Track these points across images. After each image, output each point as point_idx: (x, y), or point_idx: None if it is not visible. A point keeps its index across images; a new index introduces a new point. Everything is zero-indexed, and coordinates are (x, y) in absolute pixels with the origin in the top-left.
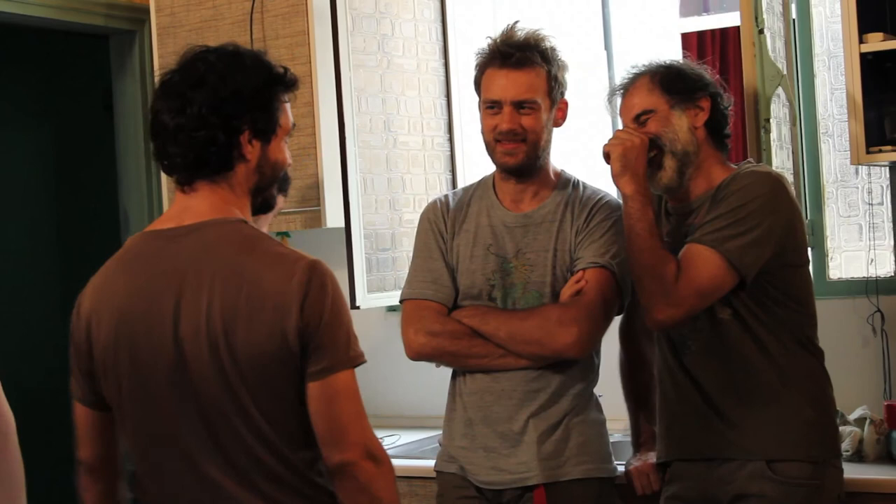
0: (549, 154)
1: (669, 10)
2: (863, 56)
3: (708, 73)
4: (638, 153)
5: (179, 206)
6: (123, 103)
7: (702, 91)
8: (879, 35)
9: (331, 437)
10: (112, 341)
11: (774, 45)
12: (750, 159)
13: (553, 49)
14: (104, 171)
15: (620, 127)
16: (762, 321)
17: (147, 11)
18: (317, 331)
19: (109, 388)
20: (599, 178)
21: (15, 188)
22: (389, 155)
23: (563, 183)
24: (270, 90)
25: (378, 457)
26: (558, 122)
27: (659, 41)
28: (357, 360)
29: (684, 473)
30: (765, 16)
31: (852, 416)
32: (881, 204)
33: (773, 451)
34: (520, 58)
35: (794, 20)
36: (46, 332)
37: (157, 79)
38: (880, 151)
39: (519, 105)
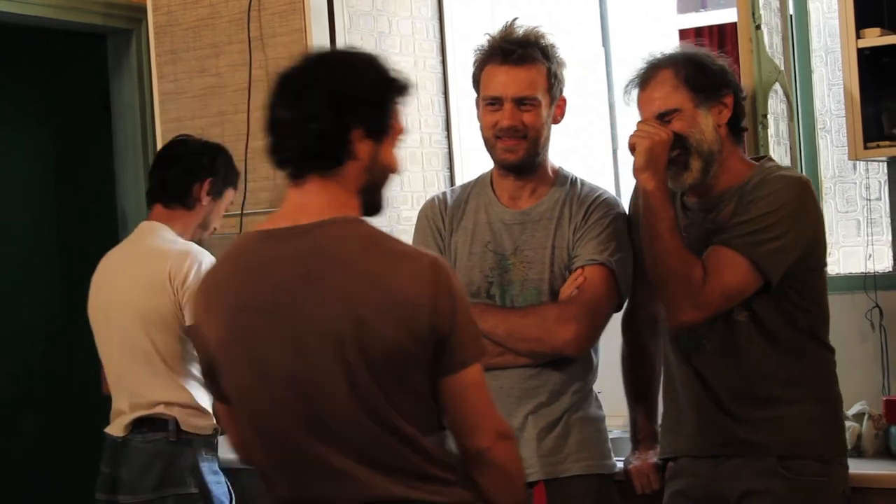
0: (547, 151)
1: (667, 7)
2: (860, 51)
3: (728, 64)
4: (663, 149)
5: (293, 204)
6: (121, 102)
7: (726, 87)
8: (877, 30)
9: (466, 427)
10: (227, 339)
11: (772, 40)
12: (771, 157)
13: (552, 46)
14: (102, 170)
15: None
16: (779, 323)
17: (144, 10)
18: (449, 327)
19: (227, 384)
20: (598, 176)
21: (14, 188)
22: None
23: (562, 180)
24: (385, 91)
25: (508, 434)
26: (557, 119)
27: (656, 38)
28: (484, 351)
29: (690, 470)
30: (762, 11)
31: (851, 412)
32: (879, 199)
33: (783, 448)
34: (521, 54)
35: (791, 16)
36: (46, 332)
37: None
38: (878, 147)
39: (520, 101)
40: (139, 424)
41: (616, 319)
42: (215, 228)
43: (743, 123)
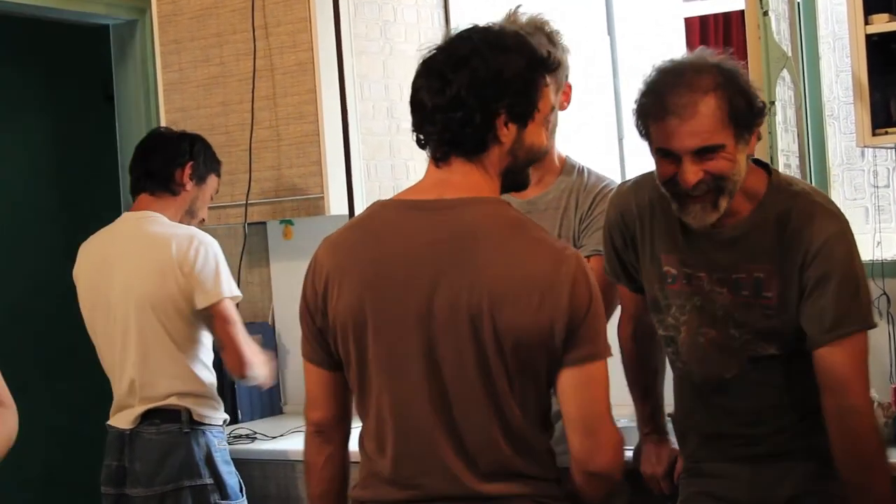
0: (553, 139)
1: None
2: (868, 37)
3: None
4: None
5: (434, 179)
6: (125, 92)
7: (760, 117)
8: (885, 16)
9: (576, 422)
10: (357, 305)
11: (779, 27)
12: (766, 163)
13: (556, 32)
14: (106, 160)
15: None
16: None
17: (148, 0)
18: (582, 320)
19: (348, 350)
20: (603, 164)
21: (17, 179)
22: (392, 142)
23: (569, 169)
24: (531, 74)
25: (619, 448)
26: (563, 105)
27: (662, 25)
28: (609, 352)
29: (723, 473)
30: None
31: None
32: (887, 186)
33: (828, 452)
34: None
35: (798, 2)
36: (50, 326)
37: (421, 58)
38: (886, 133)
39: None
40: (150, 416)
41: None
42: (203, 219)
43: None
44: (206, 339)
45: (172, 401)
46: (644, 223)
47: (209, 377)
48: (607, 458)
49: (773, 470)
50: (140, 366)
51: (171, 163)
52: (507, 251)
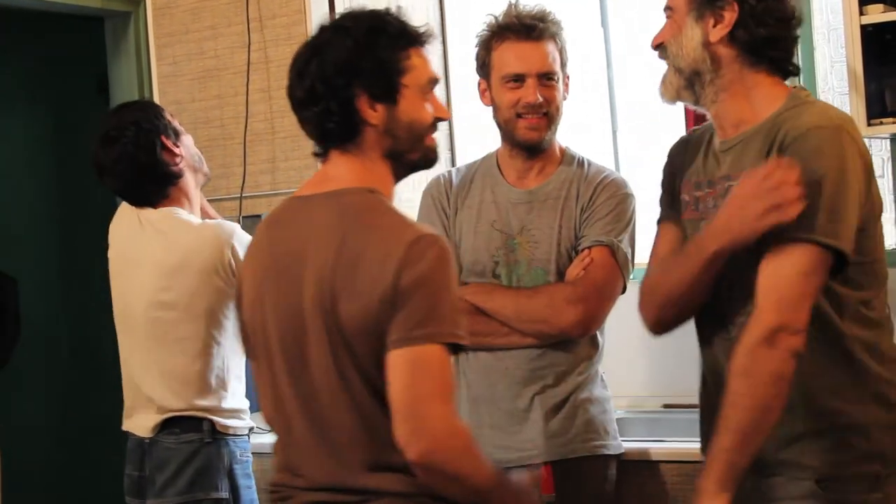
0: (555, 129)
1: None
2: (863, 28)
3: None
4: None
5: (320, 174)
6: (119, 85)
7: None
8: (880, 7)
9: (400, 409)
10: (255, 301)
11: None
12: (802, 87)
13: (559, 22)
14: None
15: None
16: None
17: None
18: (408, 299)
19: (254, 346)
20: (597, 156)
21: (10, 172)
22: None
23: (569, 160)
24: (386, 51)
25: (444, 438)
26: (567, 94)
27: (655, 17)
28: (452, 336)
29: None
30: None
31: None
32: (882, 177)
33: (826, 469)
34: (542, 29)
35: None
36: (45, 314)
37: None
38: (881, 124)
39: (543, 77)
40: (170, 423)
41: (622, 300)
42: (206, 174)
43: (774, 47)
44: (237, 345)
45: (192, 412)
46: (677, 162)
47: (236, 385)
48: (425, 447)
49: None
50: (162, 370)
51: (154, 151)
52: (350, 240)
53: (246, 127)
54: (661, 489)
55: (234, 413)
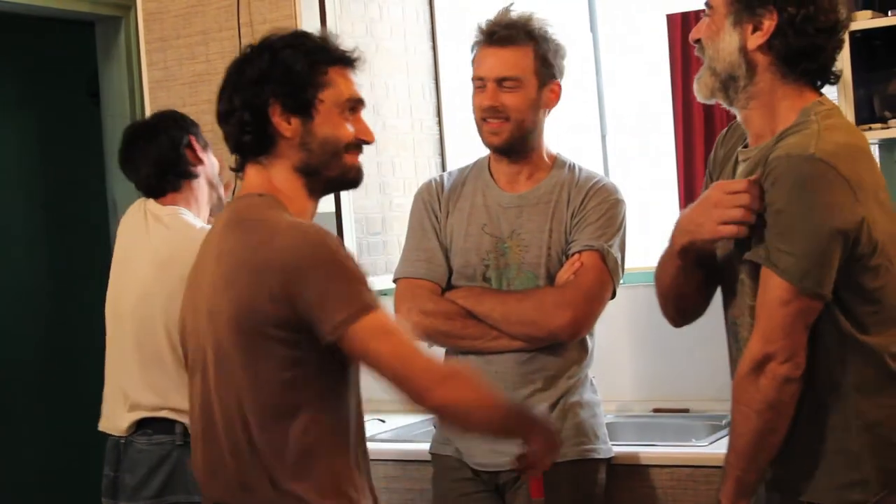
0: (539, 135)
1: None
2: (852, 34)
3: None
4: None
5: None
6: (110, 90)
7: (767, 5)
8: (868, 13)
9: (392, 379)
10: (181, 319)
11: None
12: (821, 100)
13: (543, 30)
14: (91, 158)
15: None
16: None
17: None
18: (303, 290)
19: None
20: (586, 161)
21: (0, 178)
22: (378, 139)
23: (560, 165)
24: (305, 66)
25: (447, 375)
26: (550, 103)
27: (644, 22)
28: (371, 305)
29: None
30: None
31: None
32: None
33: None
34: (503, 35)
35: None
36: (35, 319)
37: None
38: (870, 129)
39: (501, 82)
40: (143, 424)
41: (612, 305)
42: (220, 197)
43: (833, 68)
44: None
45: (165, 413)
46: (719, 153)
47: None
48: (438, 394)
49: None
50: (138, 372)
51: (178, 147)
52: (230, 243)
53: None
54: (650, 493)
55: None
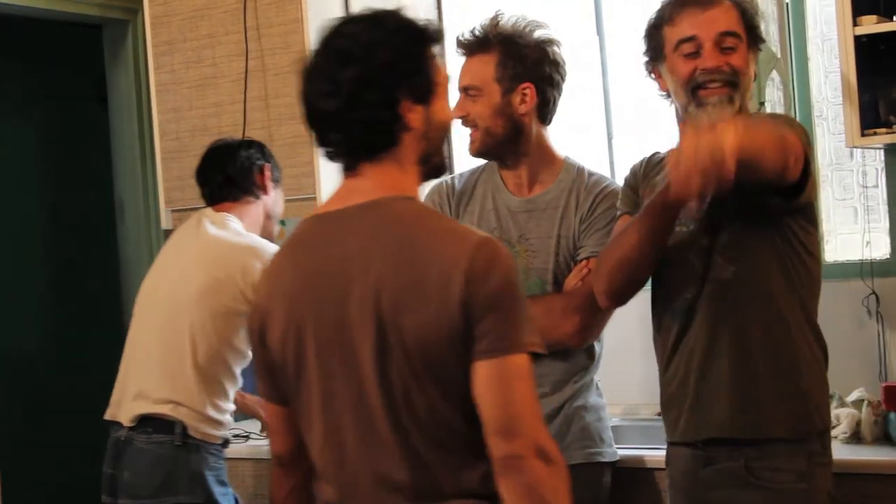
0: (539, 139)
1: None
2: (857, 39)
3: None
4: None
5: (346, 188)
6: (117, 93)
7: (761, 40)
8: (873, 18)
9: (496, 425)
10: (285, 332)
11: (768, 28)
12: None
13: (512, 34)
14: (98, 161)
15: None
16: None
17: (140, 1)
18: (490, 307)
19: (288, 382)
20: (593, 164)
21: (8, 179)
22: None
23: (568, 169)
24: (419, 48)
25: (551, 456)
26: (526, 105)
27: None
28: (536, 345)
29: (682, 460)
30: (758, 0)
31: (850, 398)
32: (876, 186)
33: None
34: (467, 44)
35: (787, 4)
36: (41, 323)
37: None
38: (875, 134)
39: (466, 91)
40: (144, 422)
41: (618, 309)
42: (271, 233)
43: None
44: (237, 361)
45: (166, 410)
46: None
47: (221, 398)
48: (537, 470)
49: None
50: (152, 365)
51: (251, 167)
52: (406, 248)
53: (243, 134)
54: (656, 496)
55: (214, 422)
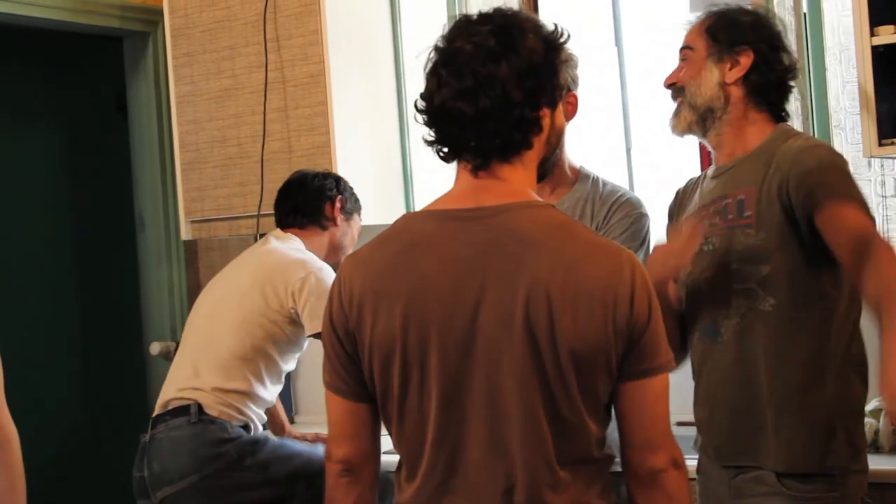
0: (561, 149)
1: (679, 7)
2: (874, 49)
3: (776, 24)
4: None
5: (472, 186)
6: (138, 105)
7: (745, 44)
8: (891, 28)
9: (645, 441)
10: (400, 328)
11: (786, 39)
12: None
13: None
14: (118, 172)
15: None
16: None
17: (160, 13)
18: (645, 327)
19: (389, 379)
20: (612, 176)
21: (30, 190)
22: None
23: (583, 178)
24: (553, 53)
25: (682, 464)
26: (568, 115)
27: (669, 37)
28: (672, 362)
29: (710, 473)
30: (776, 10)
31: (868, 408)
32: (894, 196)
33: (784, 463)
34: None
35: (805, 14)
36: (61, 333)
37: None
38: (893, 143)
39: None
40: (164, 415)
41: None
42: (336, 262)
43: (778, 94)
44: (275, 363)
45: (184, 394)
46: (674, 209)
47: (267, 394)
48: (675, 481)
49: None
50: (181, 357)
51: (321, 197)
52: (561, 256)
53: (263, 146)
54: None
55: (231, 406)
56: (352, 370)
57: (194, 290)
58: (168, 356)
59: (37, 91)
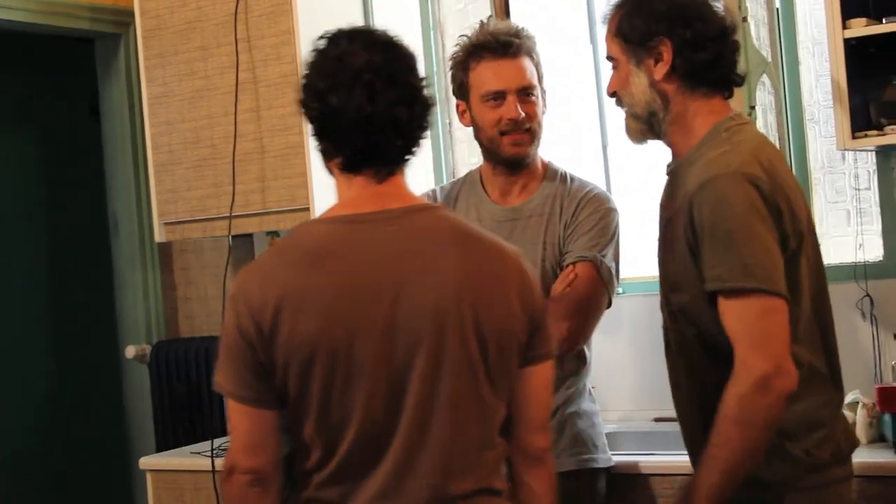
0: (538, 146)
1: None
2: (847, 42)
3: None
4: None
5: (370, 192)
6: (110, 106)
7: (656, 34)
8: (863, 20)
9: (536, 422)
10: (320, 328)
11: (758, 32)
12: (733, 115)
13: (534, 38)
14: (92, 175)
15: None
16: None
17: (132, 14)
18: (542, 314)
19: (307, 383)
20: (587, 172)
21: (2, 193)
22: None
23: (552, 174)
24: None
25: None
26: (544, 111)
27: None
28: (555, 351)
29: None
30: (748, 4)
31: (845, 401)
32: (868, 189)
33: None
34: (518, 45)
35: (777, 7)
36: (36, 337)
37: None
38: (866, 136)
39: (523, 92)
40: None
41: (611, 314)
42: None
43: (709, 68)
44: None
45: None
46: None
47: None
48: (552, 460)
49: None
50: None
51: None
52: (470, 252)
53: (234, 146)
54: (651, 502)
55: None
56: (262, 379)
57: (169, 292)
58: (143, 359)
59: (8, 95)
